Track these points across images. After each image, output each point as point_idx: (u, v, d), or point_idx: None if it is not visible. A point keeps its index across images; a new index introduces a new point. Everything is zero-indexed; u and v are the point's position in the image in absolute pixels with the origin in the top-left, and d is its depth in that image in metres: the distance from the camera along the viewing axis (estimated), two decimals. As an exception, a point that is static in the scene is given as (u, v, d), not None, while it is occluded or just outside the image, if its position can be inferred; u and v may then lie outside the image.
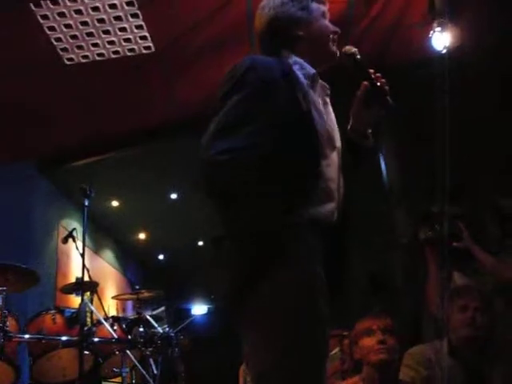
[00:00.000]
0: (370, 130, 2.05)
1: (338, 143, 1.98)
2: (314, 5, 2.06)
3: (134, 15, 4.86)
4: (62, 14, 4.78)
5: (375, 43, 5.46)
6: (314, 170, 1.78)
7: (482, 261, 3.48)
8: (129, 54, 5.28)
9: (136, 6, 4.74)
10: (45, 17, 4.78)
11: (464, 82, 4.26)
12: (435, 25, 4.64)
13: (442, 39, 4.61)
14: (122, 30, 5.01)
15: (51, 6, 4.68)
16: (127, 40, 5.13)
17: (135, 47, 5.21)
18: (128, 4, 4.73)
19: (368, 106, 1.98)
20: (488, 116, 5.47)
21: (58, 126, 6.29)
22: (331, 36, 2.05)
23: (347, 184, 1.98)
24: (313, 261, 1.71)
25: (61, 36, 5.02)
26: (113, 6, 4.74)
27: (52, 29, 4.93)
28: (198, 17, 4.92)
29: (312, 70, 1.96)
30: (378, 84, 1.94)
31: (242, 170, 1.67)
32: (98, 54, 5.27)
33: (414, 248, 4.02)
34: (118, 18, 4.88)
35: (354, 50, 2.01)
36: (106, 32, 5.02)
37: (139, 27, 4.99)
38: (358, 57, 2.01)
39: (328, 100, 2.04)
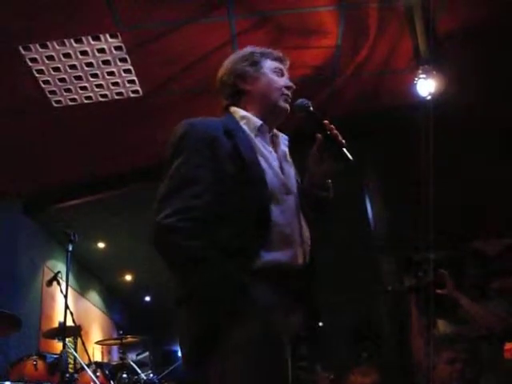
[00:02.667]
0: (329, 181, 2.08)
1: (294, 188, 2.00)
2: (267, 62, 2.16)
3: (123, 59, 4.90)
4: (50, 58, 4.81)
5: (361, 89, 5.54)
6: (263, 218, 1.82)
7: (466, 308, 3.47)
8: (117, 97, 5.31)
9: (124, 50, 4.79)
10: (34, 60, 4.82)
11: (448, 126, 4.32)
12: (420, 71, 4.72)
13: (426, 85, 4.68)
14: (111, 73, 5.05)
15: (40, 50, 4.71)
16: (115, 84, 5.17)
17: (123, 91, 5.25)
18: (116, 48, 4.78)
19: (324, 158, 2.00)
20: (471, 160, 5.53)
21: (44, 167, 6.29)
22: (282, 90, 2.11)
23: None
24: (270, 310, 1.72)
25: (49, 79, 5.05)
26: (101, 50, 4.79)
27: (40, 72, 4.96)
28: (186, 61, 4.99)
29: (258, 122, 2.03)
30: (332, 136, 1.96)
31: (184, 235, 1.73)
32: (86, 97, 5.30)
33: (398, 296, 4.01)
34: (106, 62, 4.92)
35: (307, 102, 2.05)
36: (95, 75, 5.06)
37: (127, 71, 5.03)
38: (311, 109, 2.04)
39: (286, 150, 2.10)
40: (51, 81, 5.08)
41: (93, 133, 5.82)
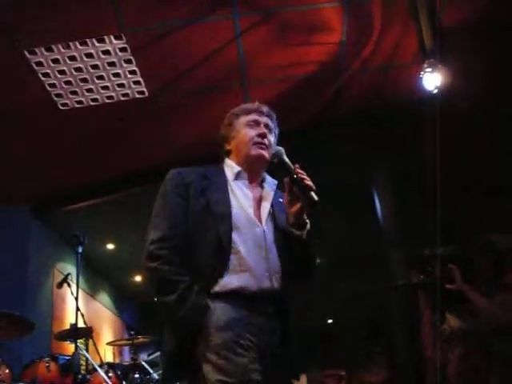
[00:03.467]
0: (305, 220, 2.29)
1: (267, 222, 2.30)
2: (241, 119, 2.45)
3: (128, 61, 4.91)
4: (56, 61, 4.83)
5: (367, 84, 5.53)
6: (223, 247, 2.14)
7: (476, 302, 3.46)
8: (122, 98, 5.33)
9: (129, 51, 4.80)
10: (39, 63, 4.83)
11: (455, 121, 4.30)
12: (426, 65, 4.69)
13: (432, 79, 4.66)
14: (116, 75, 5.06)
15: (45, 53, 4.73)
16: (121, 85, 5.18)
17: (129, 92, 5.26)
18: (121, 50, 4.78)
19: (294, 200, 2.24)
20: (479, 154, 5.51)
21: (51, 170, 6.31)
22: (253, 140, 2.38)
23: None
24: (226, 326, 2.04)
25: (55, 82, 5.07)
26: (106, 52, 4.80)
27: (46, 75, 4.98)
28: (191, 62, 4.99)
29: (236, 169, 2.37)
30: (298, 179, 2.19)
31: (159, 261, 2.12)
32: (92, 99, 5.31)
33: (409, 291, 4.00)
34: (111, 64, 4.93)
35: (279, 150, 2.33)
36: (100, 77, 5.07)
37: (132, 72, 5.04)
38: (283, 157, 2.29)
39: (271, 192, 2.40)
40: (57, 84, 5.09)
41: (99, 134, 5.84)
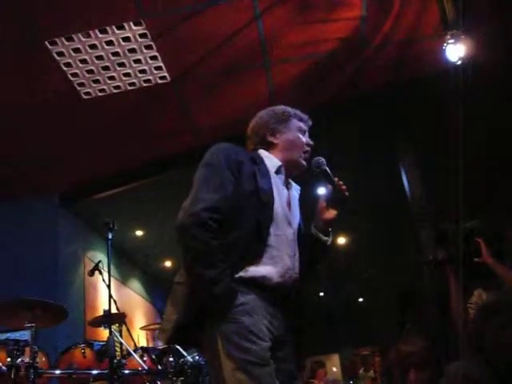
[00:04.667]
0: (330, 229, 2.42)
1: (295, 225, 2.38)
2: (294, 121, 2.53)
3: (148, 47, 4.91)
4: (77, 50, 4.86)
5: (389, 58, 5.46)
6: (260, 236, 2.19)
7: (502, 275, 3.43)
8: (145, 84, 5.33)
9: (149, 37, 4.80)
10: (60, 54, 4.86)
11: (479, 93, 4.23)
12: (448, 37, 4.62)
13: (455, 50, 4.59)
14: (137, 61, 5.07)
15: (66, 43, 4.75)
16: (142, 71, 5.19)
17: (151, 78, 5.27)
18: (141, 36, 4.79)
19: (331, 208, 2.37)
20: (504, 127, 5.42)
21: (79, 159, 6.36)
22: (303, 148, 2.49)
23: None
24: (255, 312, 2.10)
25: (77, 71, 5.09)
26: (126, 39, 4.81)
27: (68, 65, 5.00)
28: (211, 44, 4.98)
29: (278, 163, 2.41)
30: (339, 188, 2.34)
31: (203, 229, 2.09)
32: (115, 87, 5.33)
33: (438, 265, 3.98)
34: (132, 51, 4.94)
35: (322, 160, 2.41)
36: (122, 65, 5.09)
37: (153, 58, 5.05)
38: (325, 167, 2.40)
39: (297, 196, 2.50)
40: (79, 73, 5.12)
41: (124, 122, 5.86)
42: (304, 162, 2.48)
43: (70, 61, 4.96)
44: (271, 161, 2.41)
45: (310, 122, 2.59)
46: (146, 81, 5.31)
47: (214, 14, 4.66)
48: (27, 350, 4.08)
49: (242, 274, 2.13)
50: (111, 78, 5.22)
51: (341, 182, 2.36)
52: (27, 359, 3.96)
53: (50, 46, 4.76)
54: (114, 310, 4.82)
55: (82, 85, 5.26)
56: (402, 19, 4.97)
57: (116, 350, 4.89)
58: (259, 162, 2.36)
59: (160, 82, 5.33)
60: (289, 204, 2.40)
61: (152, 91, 5.42)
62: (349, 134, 6.08)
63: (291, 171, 2.49)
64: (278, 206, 2.28)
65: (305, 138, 2.52)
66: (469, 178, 3.06)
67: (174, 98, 5.62)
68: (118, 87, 5.34)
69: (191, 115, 5.91)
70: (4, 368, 3.92)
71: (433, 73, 5.34)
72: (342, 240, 9.62)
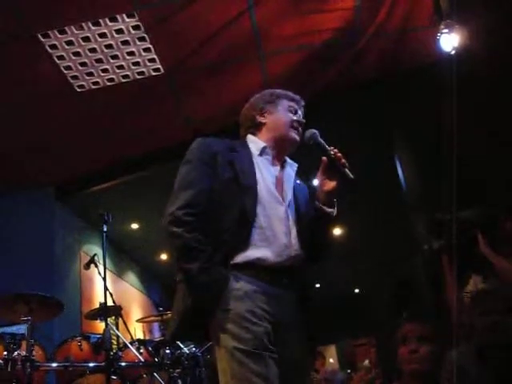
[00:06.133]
0: (334, 200, 2.40)
1: (286, 202, 2.36)
2: (284, 101, 2.55)
3: (142, 38, 4.90)
4: (70, 43, 4.84)
5: (383, 49, 5.46)
6: (246, 220, 2.20)
7: (496, 265, 3.45)
8: (138, 77, 5.32)
9: (142, 29, 4.78)
10: (53, 46, 4.84)
11: (473, 82, 4.23)
12: (442, 27, 4.61)
13: (449, 40, 4.58)
14: (131, 54, 5.05)
15: (59, 36, 4.73)
16: (136, 63, 5.17)
17: (144, 70, 5.26)
18: (134, 28, 4.77)
19: (329, 178, 2.35)
20: (499, 116, 5.42)
21: (72, 152, 6.34)
22: (292, 124, 2.50)
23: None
24: (249, 297, 2.12)
25: (70, 64, 5.07)
26: (120, 31, 4.79)
27: (61, 58, 4.98)
28: (205, 36, 4.96)
29: (262, 145, 2.44)
30: (335, 158, 2.32)
31: (185, 227, 2.15)
32: (108, 80, 5.32)
33: (434, 255, 3.99)
34: (125, 43, 4.93)
35: (314, 132, 2.41)
36: (115, 57, 5.07)
37: (147, 50, 5.03)
38: (318, 138, 2.39)
39: (293, 174, 2.51)
40: (72, 66, 5.10)
41: (118, 114, 5.85)
42: (295, 136, 2.49)
43: (63, 53, 4.94)
44: (256, 144, 2.46)
45: (303, 102, 2.61)
46: (139, 73, 5.29)
47: (207, 4, 4.65)
48: (23, 343, 4.09)
49: (235, 259, 2.16)
50: (105, 70, 5.21)
51: (337, 151, 2.35)
52: (24, 352, 3.97)
53: (42, 39, 4.74)
54: (110, 303, 4.82)
55: (75, 77, 5.24)
56: (396, 9, 4.96)
57: (112, 343, 4.91)
58: (240, 148, 2.42)
59: (154, 74, 5.32)
60: (280, 182, 2.41)
61: (146, 83, 5.40)
62: (343, 124, 6.06)
63: (284, 148, 2.51)
64: (262, 187, 2.30)
65: (295, 116, 2.54)
66: (464, 167, 3.07)
67: (167, 90, 5.60)
68: (111, 80, 5.32)
69: (185, 107, 5.90)
70: (0, 361, 3.93)
71: (427, 63, 5.33)
72: (337, 231, 9.63)
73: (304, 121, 2.55)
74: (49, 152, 6.29)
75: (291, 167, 2.54)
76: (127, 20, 4.68)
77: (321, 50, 5.37)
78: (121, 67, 5.19)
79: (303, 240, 2.34)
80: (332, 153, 2.34)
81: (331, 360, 13.92)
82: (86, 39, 4.83)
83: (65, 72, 5.15)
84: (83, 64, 5.09)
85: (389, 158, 6.05)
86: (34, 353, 4.02)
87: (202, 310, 2.13)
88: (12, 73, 5.06)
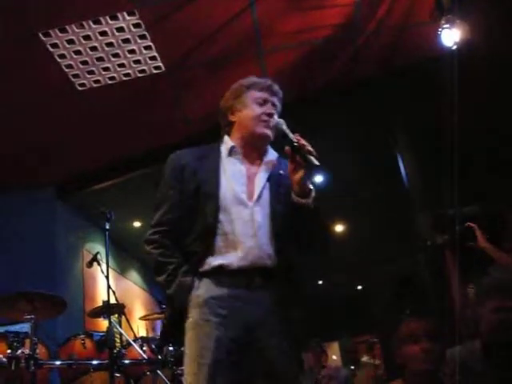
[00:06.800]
0: (309, 187, 2.28)
1: (255, 198, 2.33)
2: (251, 93, 2.45)
3: (142, 36, 4.90)
4: (71, 41, 4.84)
5: (384, 44, 5.45)
6: (210, 228, 2.25)
7: (497, 259, 3.44)
8: (139, 75, 5.32)
9: (143, 27, 4.78)
10: (54, 45, 4.84)
11: (475, 76, 4.23)
12: (443, 22, 4.61)
13: (451, 35, 4.58)
14: (131, 52, 5.05)
15: (60, 34, 4.73)
16: (137, 62, 5.17)
17: (145, 68, 5.26)
18: (135, 26, 4.77)
19: (296, 167, 2.25)
20: (500, 112, 5.42)
21: (73, 151, 6.34)
22: (260, 118, 2.40)
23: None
24: (207, 304, 2.19)
25: (71, 63, 5.08)
26: (120, 29, 4.79)
27: (62, 56, 4.99)
28: (205, 33, 4.96)
29: (230, 145, 2.41)
30: (299, 146, 2.22)
31: (153, 245, 2.31)
32: (110, 78, 5.32)
33: (436, 252, 3.99)
34: (126, 41, 4.93)
35: (279, 120, 2.37)
36: (116, 55, 5.07)
37: (148, 48, 5.03)
38: (283, 126, 2.32)
39: (270, 166, 2.43)
40: (74, 64, 5.10)
41: (119, 112, 5.85)
42: (264, 130, 2.39)
43: (64, 52, 4.94)
44: (226, 144, 2.44)
45: (275, 88, 2.49)
46: (140, 71, 5.29)
47: (207, 1, 4.64)
48: (27, 341, 4.09)
49: (203, 268, 2.24)
50: (106, 68, 5.21)
51: (300, 139, 2.26)
52: (27, 351, 3.98)
53: (43, 38, 4.74)
54: (113, 301, 4.83)
55: (76, 76, 5.24)
56: (397, 4, 4.96)
57: (116, 341, 4.90)
58: (210, 153, 2.44)
59: (154, 71, 5.32)
60: (252, 181, 2.37)
61: (147, 81, 5.40)
62: (344, 121, 6.06)
63: (255, 145, 2.44)
64: (226, 191, 2.30)
65: (263, 108, 2.42)
66: (466, 163, 3.07)
67: (168, 88, 5.60)
68: (112, 78, 5.32)
69: (186, 104, 5.89)
70: (4, 360, 3.94)
71: (428, 58, 5.33)
72: (339, 228, 9.63)
73: (273, 111, 2.43)
74: (50, 151, 6.29)
75: (270, 159, 2.46)
76: (128, 18, 4.68)
77: (321, 47, 5.36)
78: (122, 65, 5.19)
79: (280, 236, 2.30)
80: (295, 140, 2.25)
81: (334, 357, 13.93)
82: (87, 37, 4.83)
83: (66, 70, 5.15)
84: (84, 62, 5.09)
85: (391, 154, 6.05)
86: (37, 351, 4.03)
87: (177, 316, 2.25)
88: (13, 72, 5.05)
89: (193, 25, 4.85)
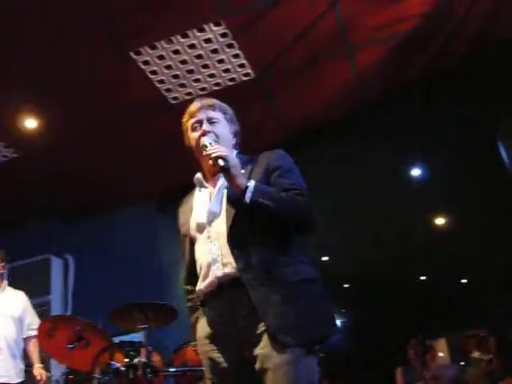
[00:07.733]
0: (240, 186, 2.20)
1: (208, 221, 2.37)
2: (189, 123, 2.50)
3: (230, 45, 4.97)
4: (161, 57, 4.98)
5: (476, 30, 5.25)
6: (189, 265, 2.45)
7: None
8: (230, 83, 5.40)
9: (230, 36, 4.85)
10: (146, 62, 5.00)
11: None
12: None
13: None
14: (220, 61, 5.14)
15: (150, 51, 4.88)
16: (226, 70, 5.25)
17: (235, 76, 5.33)
18: (222, 36, 4.85)
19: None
20: None
21: (172, 165, 6.48)
22: (198, 143, 2.41)
23: None
24: (197, 330, 2.40)
25: (163, 78, 5.22)
26: (208, 41, 4.88)
27: (154, 72, 5.14)
28: (291, 36, 4.96)
29: (195, 178, 2.47)
30: (209, 155, 2.24)
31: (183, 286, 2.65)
32: (201, 89, 5.43)
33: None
34: (214, 51, 5.01)
35: (203, 139, 2.37)
36: (205, 66, 5.17)
37: (236, 56, 5.10)
38: (203, 139, 2.35)
39: (222, 182, 2.37)
40: (165, 79, 5.25)
41: (212, 123, 5.92)
42: (206, 154, 2.30)
43: (155, 68, 5.10)
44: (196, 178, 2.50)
45: (202, 103, 2.51)
46: (230, 79, 5.37)
47: (290, 4, 4.64)
48: (142, 350, 4.22)
49: (198, 297, 2.43)
50: (196, 80, 5.32)
51: (206, 145, 2.30)
52: (143, 359, 4.10)
53: (134, 56, 4.91)
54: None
55: (168, 90, 5.39)
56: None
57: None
58: (191, 195, 2.58)
59: (244, 79, 5.38)
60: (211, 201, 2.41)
61: (238, 89, 5.47)
62: (442, 112, 5.88)
63: (209, 169, 2.44)
64: (192, 225, 2.41)
65: (198, 132, 2.43)
66: None
67: (259, 93, 5.65)
68: (203, 89, 5.43)
69: (278, 108, 5.91)
70: (123, 368, 4.08)
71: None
72: (440, 221, 9.39)
73: (206, 128, 2.42)
74: (148, 165, 6.48)
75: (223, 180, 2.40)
76: (214, 29, 4.76)
77: (409, 39, 5.23)
78: (212, 76, 5.29)
79: (243, 240, 2.22)
80: (207, 152, 2.26)
81: (441, 354, 13.58)
82: (176, 52, 4.96)
83: (158, 86, 5.30)
84: (175, 76, 5.22)
85: (492, 141, 5.83)
86: (152, 359, 4.15)
87: None
88: (107, 93, 5.26)
89: (278, 29, 4.86)
